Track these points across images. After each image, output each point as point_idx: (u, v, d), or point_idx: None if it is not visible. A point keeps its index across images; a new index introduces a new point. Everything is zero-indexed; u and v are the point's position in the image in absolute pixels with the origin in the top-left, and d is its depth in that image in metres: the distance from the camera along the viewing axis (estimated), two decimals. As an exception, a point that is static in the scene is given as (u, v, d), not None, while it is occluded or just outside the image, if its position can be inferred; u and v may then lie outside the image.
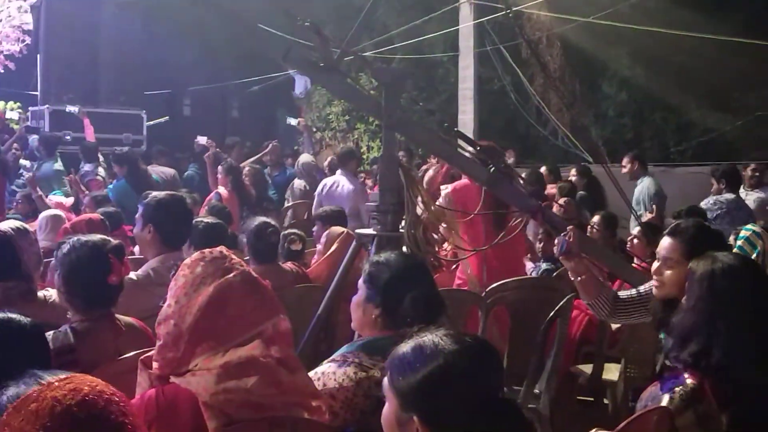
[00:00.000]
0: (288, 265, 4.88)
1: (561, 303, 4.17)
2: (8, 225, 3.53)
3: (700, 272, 2.52)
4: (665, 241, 3.05)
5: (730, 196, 7.25)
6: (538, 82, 13.10)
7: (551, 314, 4.15)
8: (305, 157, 9.95)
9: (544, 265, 5.69)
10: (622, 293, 3.43)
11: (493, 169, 3.89)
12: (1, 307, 2.27)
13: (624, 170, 8.45)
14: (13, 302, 2.98)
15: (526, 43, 11.56)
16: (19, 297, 3.17)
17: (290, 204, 9.16)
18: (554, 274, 5.31)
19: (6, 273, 3.23)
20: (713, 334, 2.40)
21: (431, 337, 1.76)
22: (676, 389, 2.37)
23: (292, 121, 11.75)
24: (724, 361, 2.35)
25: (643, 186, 8.35)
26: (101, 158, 10.08)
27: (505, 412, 1.71)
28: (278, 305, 2.23)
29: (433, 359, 1.70)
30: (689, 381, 2.38)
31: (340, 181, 7.88)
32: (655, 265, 3.07)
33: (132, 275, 3.64)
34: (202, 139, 10.20)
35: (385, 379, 1.80)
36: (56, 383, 1.38)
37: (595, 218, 6.03)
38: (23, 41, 12.98)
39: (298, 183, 9.43)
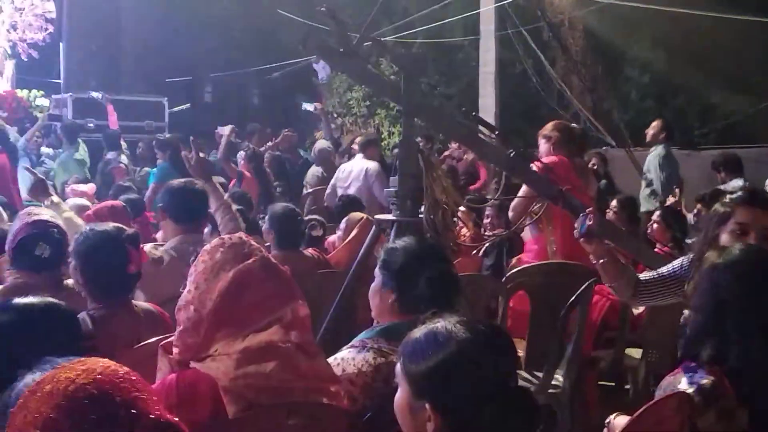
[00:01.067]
0: (309, 251, 4.90)
1: (582, 288, 4.15)
2: (49, 214, 3.56)
3: (706, 265, 2.38)
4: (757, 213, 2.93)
5: (737, 183, 7.16)
6: (559, 66, 13.00)
7: (572, 299, 4.13)
8: (322, 144, 9.94)
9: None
10: (643, 275, 3.40)
11: (513, 153, 3.88)
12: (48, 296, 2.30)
13: (650, 131, 8.35)
14: (51, 291, 3.00)
15: (547, 25, 11.48)
16: (55, 286, 3.21)
17: (310, 191, 9.17)
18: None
19: (57, 263, 3.25)
20: (725, 335, 2.26)
21: (444, 324, 1.75)
22: (696, 387, 2.25)
23: (309, 106, 11.73)
24: (741, 363, 2.24)
25: (656, 153, 8.24)
26: (124, 146, 10.15)
27: (518, 400, 1.70)
28: (297, 291, 2.24)
29: (445, 346, 1.70)
30: (706, 381, 2.25)
31: (356, 163, 8.04)
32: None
33: (154, 255, 3.73)
34: (222, 130, 10.22)
35: (398, 365, 1.79)
36: (70, 365, 1.40)
37: (613, 202, 6.00)
38: (46, 30, 13.08)
39: (315, 170, 9.43)
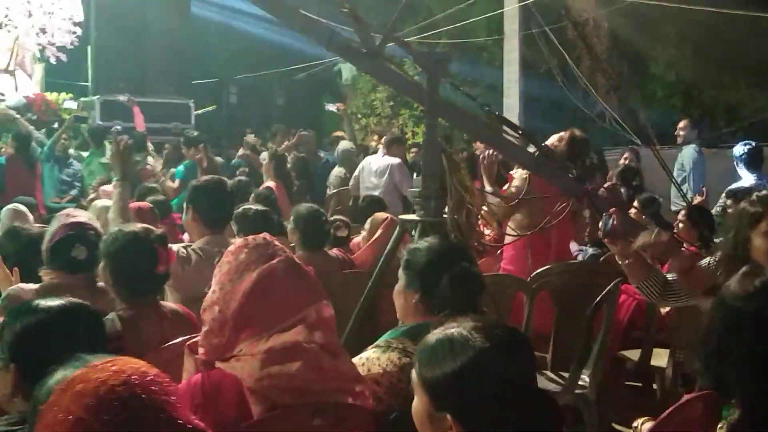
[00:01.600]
0: (334, 252, 4.92)
1: (608, 288, 4.12)
2: (87, 216, 3.60)
3: (726, 292, 2.09)
4: None
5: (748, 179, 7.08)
6: (584, 65, 12.92)
7: (597, 299, 4.11)
8: (345, 144, 9.95)
9: (590, 250, 5.63)
10: (670, 275, 3.37)
11: (537, 153, 3.87)
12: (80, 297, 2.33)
13: (681, 132, 8.40)
14: (85, 292, 3.02)
15: (572, 25, 11.40)
16: (88, 287, 3.25)
17: (334, 191, 9.19)
18: (601, 258, 5.25)
19: (92, 265, 3.27)
20: (726, 367, 2.02)
21: (460, 331, 1.70)
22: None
23: (331, 107, 11.79)
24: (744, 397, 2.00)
25: (689, 152, 8.29)
26: (151, 147, 10.25)
27: (539, 404, 1.68)
28: (321, 291, 2.24)
29: (463, 355, 1.65)
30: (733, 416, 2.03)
31: (379, 159, 8.14)
32: None
33: (182, 254, 3.76)
34: (251, 137, 10.32)
35: (413, 373, 1.75)
36: (101, 365, 1.43)
37: (635, 201, 6.02)
38: (74, 33, 13.23)
39: (338, 170, 9.44)
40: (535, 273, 4.47)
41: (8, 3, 12.67)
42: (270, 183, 8.20)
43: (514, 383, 1.66)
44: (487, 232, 4.98)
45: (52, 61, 13.23)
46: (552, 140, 4.96)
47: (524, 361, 1.72)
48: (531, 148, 4.10)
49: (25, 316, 2.10)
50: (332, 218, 5.56)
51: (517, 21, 11.63)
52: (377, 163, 8.14)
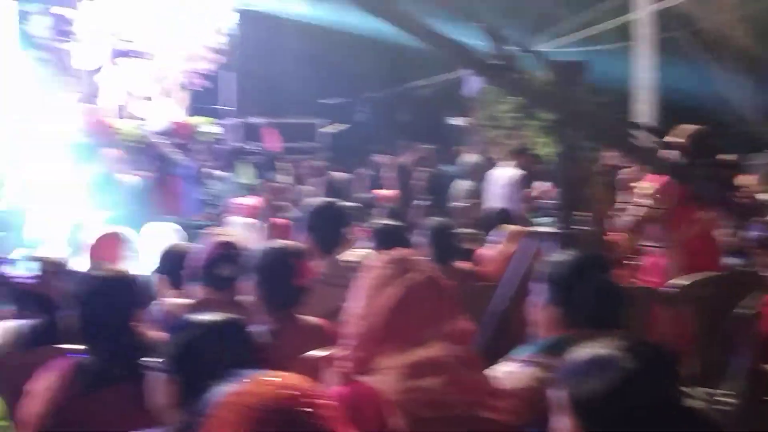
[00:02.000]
0: (463, 264, 4.92)
1: (751, 298, 3.95)
2: (232, 234, 3.78)
3: None
4: None
5: None
6: (723, 66, 12.39)
7: (740, 311, 3.94)
8: (473, 157, 9.97)
9: (735, 260, 5.40)
10: None
11: (680, 161, 3.77)
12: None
13: None
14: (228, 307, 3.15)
15: (709, 27, 10.99)
16: (230, 302, 3.35)
17: (460, 204, 9.19)
18: (745, 269, 5.02)
19: (236, 282, 3.38)
20: None
21: (609, 350, 1.64)
22: None
23: (456, 121, 11.87)
24: None
25: None
26: (284, 166, 10.65)
27: (690, 423, 1.62)
28: (459, 305, 2.27)
29: (614, 376, 1.59)
30: None
31: (503, 170, 8.22)
32: None
33: None
34: (379, 158, 10.56)
35: (558, 394, 1.68)
36: (262, 380, 1.50)
37: None
38: (215, 61, 13.82)
39: (465, 183, 9.45)
40: (676, 285, 4.33)
41: (153, 32, 13.35)
42: (387, 192, 8.34)
43: (666, 403, 1.61)
44: (620, 241, 4.86)
45: (196, 87, 13.86)
46: (673, 138, 4.72)
47: (674, 380, 1.67)
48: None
49: (187, 331, 2.22)
50: (459, 231, 5.56)
51: (649, 26, 11.36)
52: (501, 174, 8.18)
